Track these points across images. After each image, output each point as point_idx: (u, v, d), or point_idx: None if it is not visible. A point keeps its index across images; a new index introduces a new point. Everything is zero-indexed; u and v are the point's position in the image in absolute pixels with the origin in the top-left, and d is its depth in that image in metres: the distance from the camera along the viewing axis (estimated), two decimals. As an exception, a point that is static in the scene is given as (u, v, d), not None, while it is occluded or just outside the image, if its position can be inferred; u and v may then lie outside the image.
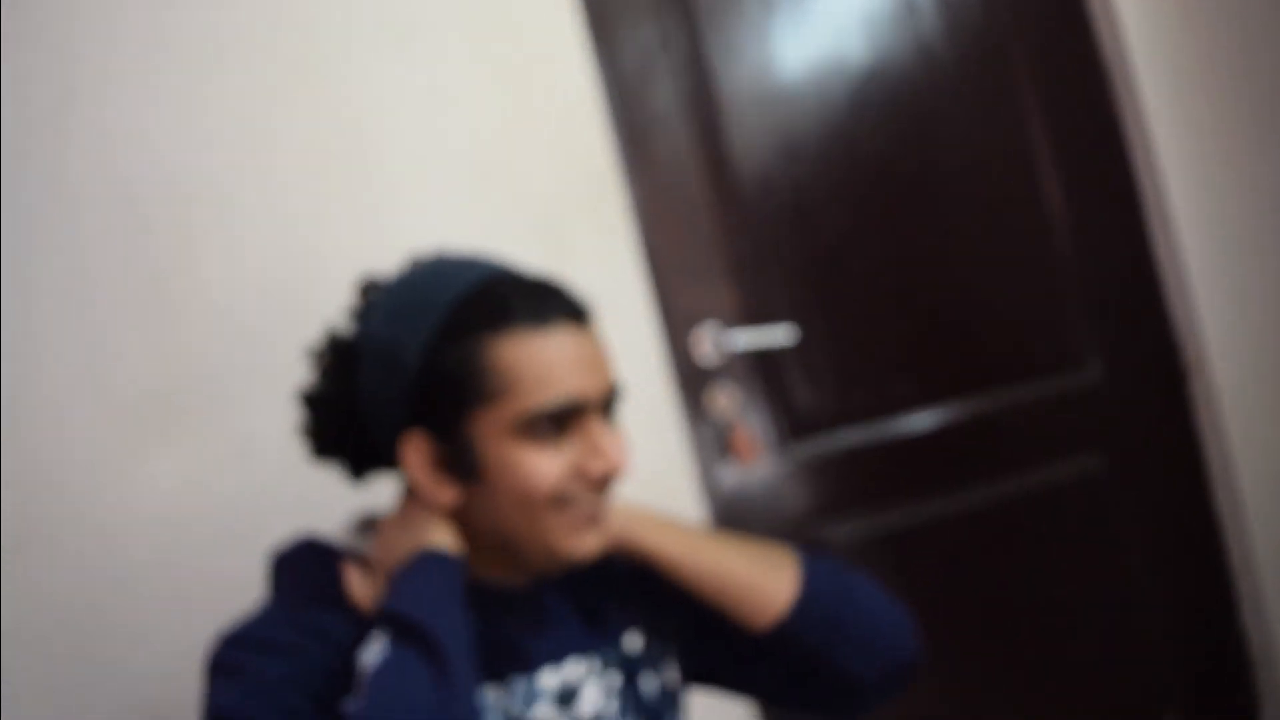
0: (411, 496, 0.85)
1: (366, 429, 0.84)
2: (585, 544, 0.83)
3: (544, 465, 0.79)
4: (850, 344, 1.51)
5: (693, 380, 1.44)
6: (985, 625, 1.52)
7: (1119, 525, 1.57)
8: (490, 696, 0.81)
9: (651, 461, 1.36)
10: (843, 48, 1.54)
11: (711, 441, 1.44)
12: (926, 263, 1.54)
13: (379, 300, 0.86)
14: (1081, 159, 1.61)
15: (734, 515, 1.45)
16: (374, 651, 0.75)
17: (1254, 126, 1.63)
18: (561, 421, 0.80)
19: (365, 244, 1.23)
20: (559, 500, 0.80)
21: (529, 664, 0.84)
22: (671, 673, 0.92)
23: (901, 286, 1.53)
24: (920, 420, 1.52)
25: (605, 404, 0.83)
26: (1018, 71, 1.60)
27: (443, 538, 0.82)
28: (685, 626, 0.94)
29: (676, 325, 1.44)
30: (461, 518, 0.83)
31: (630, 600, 0.92)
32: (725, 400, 1.44)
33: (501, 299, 0.80)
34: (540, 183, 1.36)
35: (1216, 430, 1.59)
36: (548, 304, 0.81)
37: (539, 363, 0.79)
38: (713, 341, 1.44)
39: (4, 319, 1.17)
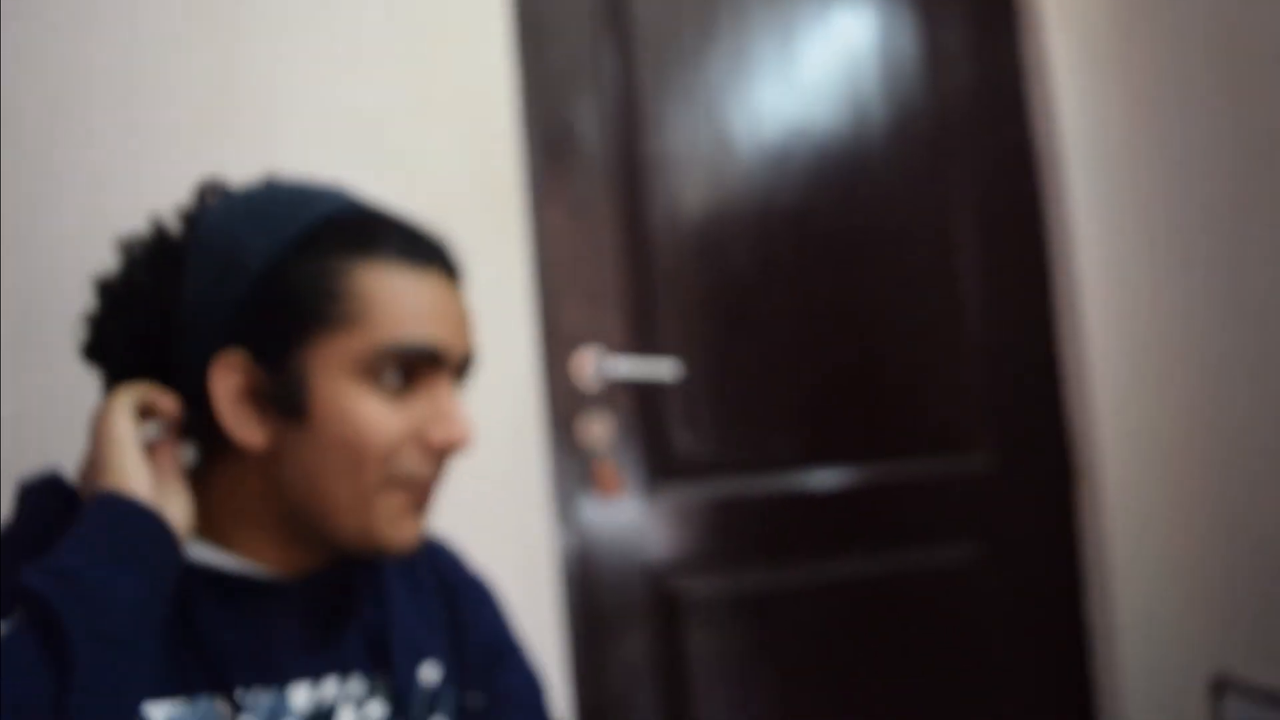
0: (153, 438, 0.71)
1: (171, 336, 0.71)
2: (406, 532, 0.72)
3: (383, 416, 0.69)
4: (738, 390, 1.44)
5: (566, 403, 1.36)
6: (841, 700, 1.44)
7: (987, 619, 1.51)
8: (220, 709, 0.68)
9: (509, 482, 1.29)
10: (778, 96, 1.51)
11: (576, 471, 1.36)
12: (830, 321, 1.50)
13: (230, 200, 0.74)
14: (1001, 245, 1.59)
15: (590, 553, 1.36)
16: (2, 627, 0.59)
17: (1177, 241, 1.62)
18: (410, 374, 0.70)
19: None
20: (389, 466, 0.69)
21: (279, 675, 0.71)
22: None
23: (800, 341, 1.48)
24: (799, 480, 1.46)
25: (459, 371, 0.74)
26: (951, 147, 1.58)
27: (136, 482, 0.66)
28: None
29: (558, 343, 1.37)
30: (259, 468, 0.70)
31: (435, 624, 0.80)
32: (598, 429, 1.36)
33: (375, 226, 0.72)
34: (442, 170, 1.30)
35: (1097, 537, 1.55)
36: (425, 245, 0.72)
37: (403, 298, 0.70)
38: (594, 366, 1.36)
39: None
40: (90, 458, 0.69)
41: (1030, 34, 1.63)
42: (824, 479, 1.47)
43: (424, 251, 0.72)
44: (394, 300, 0.69)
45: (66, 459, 0.75)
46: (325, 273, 0.69)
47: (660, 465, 1.40)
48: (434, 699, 0.77)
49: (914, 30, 1.58)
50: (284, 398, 0.69)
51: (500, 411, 1.28)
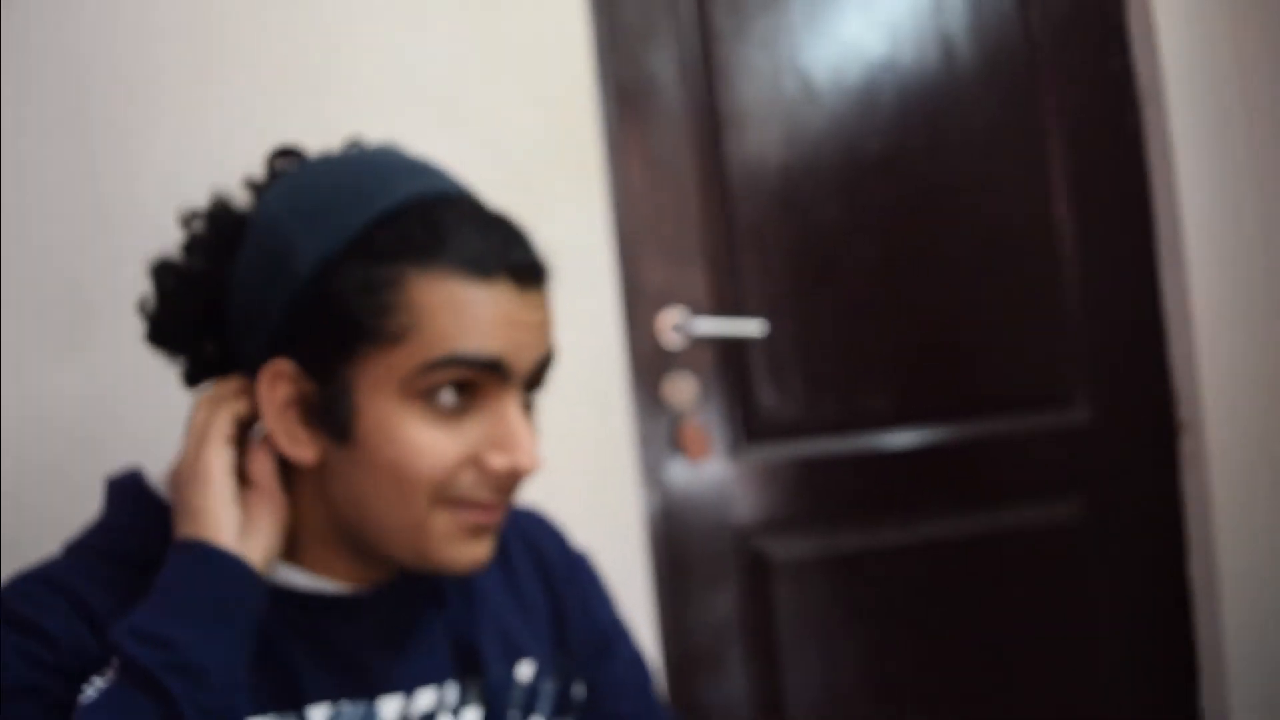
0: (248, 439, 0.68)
1: (225, 328, 0.68)
2: (468, 553, 0.66)
3: (434, 443, 0.62)
4: (825, 348, 1.40)
5: (651, 364, 1.33)
6: (932, 663, 1.42)
7: (1087, 579, 1.47)
8: None
9: (595, 446, 1.27)
10: (860, 35, 1.43)
11: (662, 433, 1.34)
12: (919, 272, 1.44)
13: (290, 183, 0.68)
14: (1099, 188, 1.50)
15: (676, 516, 1.35)
16: (96, 688, 0.58)
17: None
18: (469, 390, 0.63)
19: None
20: (444, 494, 0.63)
21: (365, 689, 0.67)
22: None
23: (888, 294, 1.42)
24: (890, 439, 1.42)
25: (529, 384, 0.67)
26: (1043, 84, 1.49)
27: (225, 529, 0.63)
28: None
29: (641, 303, 1.33)
30: (314, 483, 0.67)
31: (534, 614, 0.77)
32: (683, 390, 1.33)
33: (440, 228, 0.63)
34: (517, 127, 1.26)
35: (1201, 494, 1.49)
36: (496, 249, 0.63)
37: (462, 312, 0.62)
38: (678, 325, 1.33)
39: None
40: (180, 469, 0.66)
41: (1128, -45, 1.52)
42: (914, 437, 1.43)
43: (494, 258, 0.63)
44: (450, 313, 0.62)
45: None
46: (375, 282, 0.62)
47: (746, 425, 1.37)
48: (531, 698, 0.74)
49: (1003, -43, 1.48)
50: (328, 414, 0.63)
51: (585, 373, 1.26)
